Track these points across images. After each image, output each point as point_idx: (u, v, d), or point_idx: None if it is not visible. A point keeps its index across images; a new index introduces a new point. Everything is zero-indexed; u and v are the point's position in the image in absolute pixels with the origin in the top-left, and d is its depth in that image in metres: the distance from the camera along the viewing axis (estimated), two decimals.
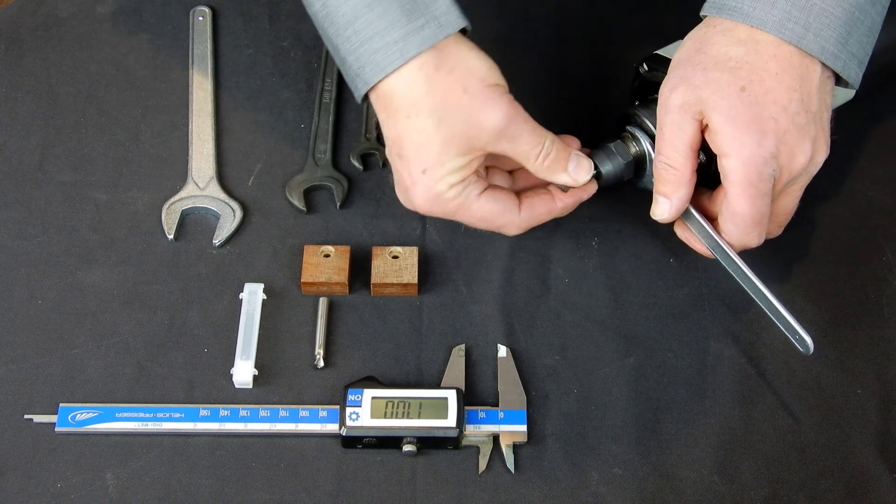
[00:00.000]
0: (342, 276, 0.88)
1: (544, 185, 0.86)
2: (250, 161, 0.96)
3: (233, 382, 0.84)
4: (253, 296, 0.87)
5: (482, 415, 0.82)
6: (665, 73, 0.87)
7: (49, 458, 0.80)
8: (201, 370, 0.84)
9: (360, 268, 0.90)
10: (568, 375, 0.85)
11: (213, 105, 0.98)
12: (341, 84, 1.00)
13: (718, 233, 0.84)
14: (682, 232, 0.87)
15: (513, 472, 0.80)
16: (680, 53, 0.83)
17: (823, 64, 0.79)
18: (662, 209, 0.84)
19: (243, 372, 0.83)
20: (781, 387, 0.84)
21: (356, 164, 0.96)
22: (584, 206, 0.93)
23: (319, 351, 0.85)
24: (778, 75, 0.78)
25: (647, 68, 0.89)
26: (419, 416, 0.80)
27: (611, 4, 1.07)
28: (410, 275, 0.88)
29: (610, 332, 0.87)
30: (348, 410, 0.80)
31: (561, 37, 1.04)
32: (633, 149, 0.87)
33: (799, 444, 0.82)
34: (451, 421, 0.80)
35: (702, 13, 0.83)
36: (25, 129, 0.97)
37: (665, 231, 0.91)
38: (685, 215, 0.86)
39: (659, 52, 0.90)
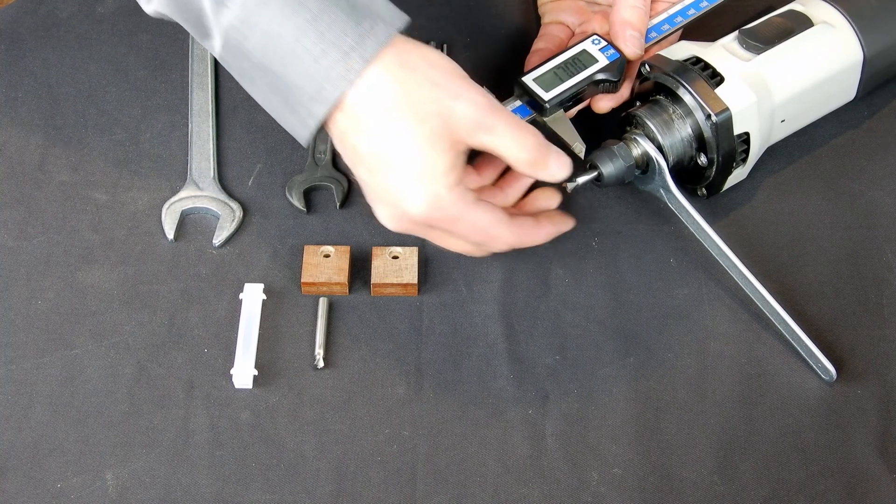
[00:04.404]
0: (342, 277, 0.88)
1: (522, 209, 0.85)
2: (250, 161, 0.96)
3: (233, 382, 0.84)
4: (253, 296, 0.87)
5: None
6: (667, 74, 0.88)
7: (49, 458, 0.80)
8: (201, 370, 0.84)
9: (360, 268, 0.90)
10: (568, 375, 0.85)
11: (213, 105, 0.98)
12: None
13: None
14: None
15: None
16: None
17: None
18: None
19: (243, 372, 0.83)
20: (781, 387, 0.84)
21: None
22: (583, 207, 0.93)
23: (319, 351, 0.85)
24: None
25: (648, 69, 0.89)
26: None
27: None
28: (410, 275, 0.88)
29: (610, 332, 0.87)
30: None
31: None
32: (636, 151, 0.88)
33: (799, 444, 0.82)
34: None
35: None
36: (25, 129, 0.97)
37: (665, 231, 0.91)
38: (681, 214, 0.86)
39: (661, 52, 0.90)
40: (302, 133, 0.78)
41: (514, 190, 0.85)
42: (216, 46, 0.78)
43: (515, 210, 0.86)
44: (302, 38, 0.75)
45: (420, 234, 0.81)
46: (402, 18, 0.77)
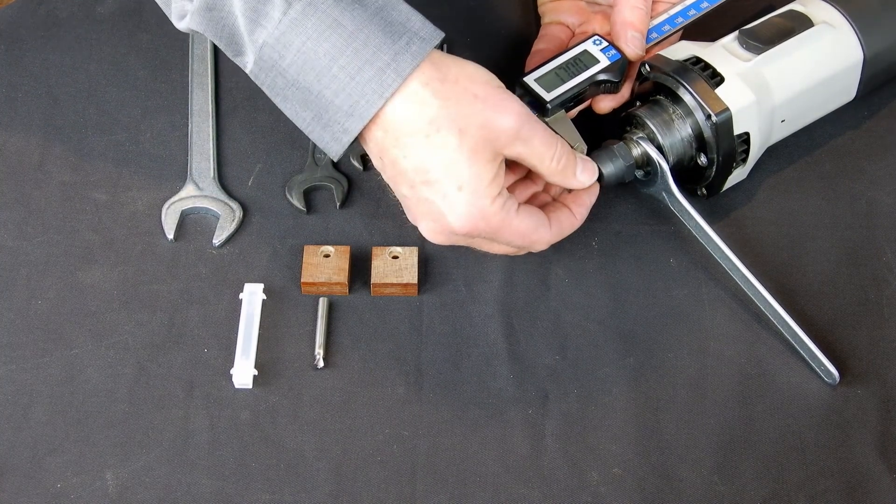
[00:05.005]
0: (342, 276, 0.88)
1: (549, 201, 0.86)
2: (250, 161, 0.96)
3: (233, 382, 0.84)
4: (253, 296, 0.87)
5: None
6: (667, 74, 0.88)
7: (49, 458, 0.80)
8: (201, 370, 0.84)
9: (360, 268, 0.90)
10: (568, 375, 0.85)
11: (213, 105, 0.98)
12: None
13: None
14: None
15: None
16: None
17: None
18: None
19: (243, 372, 0.83)
20: (781, 387, 0.84)
21: (356, 164, 0.96)
22: None
23: (319, 351, 0.85)
24: None
25: (648, 69, 0.89)
26: None
27: None
28: (410, 275, 0.88)
29: (610, 332, 0.87)
30: None
31: None
32: (636, 151, 0.88)
33: (799, 444, 0.82)
34: None
35: None
36: (25, 129, 0.97)
37: (665, 231, 0.91)
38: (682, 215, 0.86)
39: (661, 52, 0.90)
40: (334, 148, 0.78)
41: (543, 178, 0.86)
42: (248, 63, 0.79)
43: (547, 195, 0.87)
44: (338, 57, 0.75)
45: (462, 243, 0.82)
46: (437, 34, 0.77)
